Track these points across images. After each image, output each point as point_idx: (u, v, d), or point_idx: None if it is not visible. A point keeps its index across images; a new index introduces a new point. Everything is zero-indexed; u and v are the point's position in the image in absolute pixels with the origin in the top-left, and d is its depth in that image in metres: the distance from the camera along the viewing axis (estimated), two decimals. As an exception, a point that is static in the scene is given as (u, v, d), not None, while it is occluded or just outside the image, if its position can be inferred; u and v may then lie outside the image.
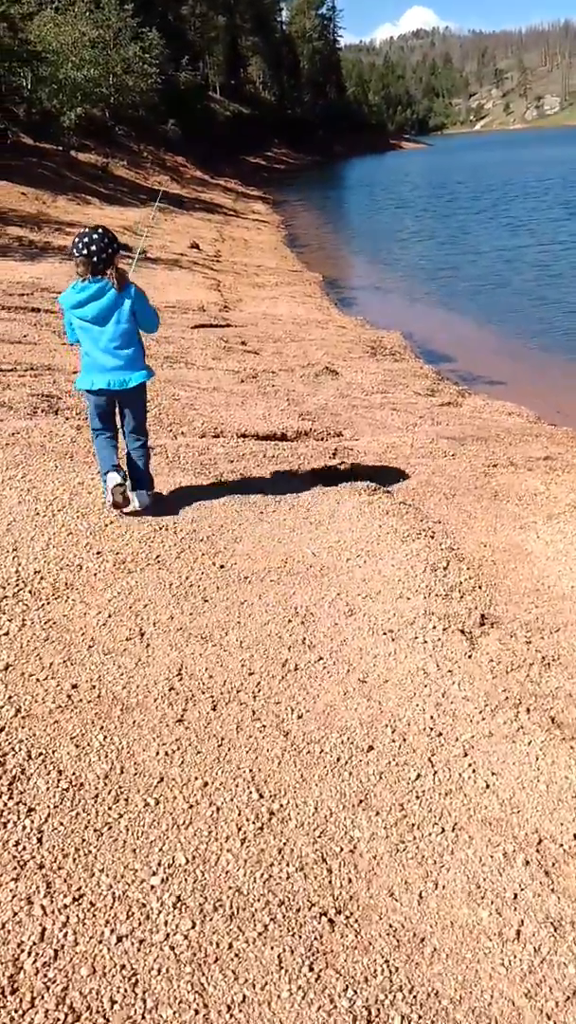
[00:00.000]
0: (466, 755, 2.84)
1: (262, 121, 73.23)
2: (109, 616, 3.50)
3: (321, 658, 3.34)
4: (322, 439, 6.39)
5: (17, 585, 3.67)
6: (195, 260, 16.44)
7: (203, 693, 3.06)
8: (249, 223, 27.68)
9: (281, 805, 2.56)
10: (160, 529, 4.30)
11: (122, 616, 3.50)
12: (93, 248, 4.17)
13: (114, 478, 4.37)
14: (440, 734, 2.94)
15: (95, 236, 4.21)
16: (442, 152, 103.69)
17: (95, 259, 4.18)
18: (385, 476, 5.67)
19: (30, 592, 3.63)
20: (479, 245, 22.00)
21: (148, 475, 4.64)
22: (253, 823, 2.48)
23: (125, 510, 4.42)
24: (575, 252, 19.72)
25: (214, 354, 8.70)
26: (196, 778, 2.65)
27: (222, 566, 4.00)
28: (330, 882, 2.30)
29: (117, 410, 4.56)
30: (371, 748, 2.84)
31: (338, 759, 2.78)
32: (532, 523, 5.07)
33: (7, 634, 3.33)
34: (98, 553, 4.01)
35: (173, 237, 19.07)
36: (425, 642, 3.50)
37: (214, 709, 2.98)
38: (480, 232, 24.73)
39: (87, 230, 4.28)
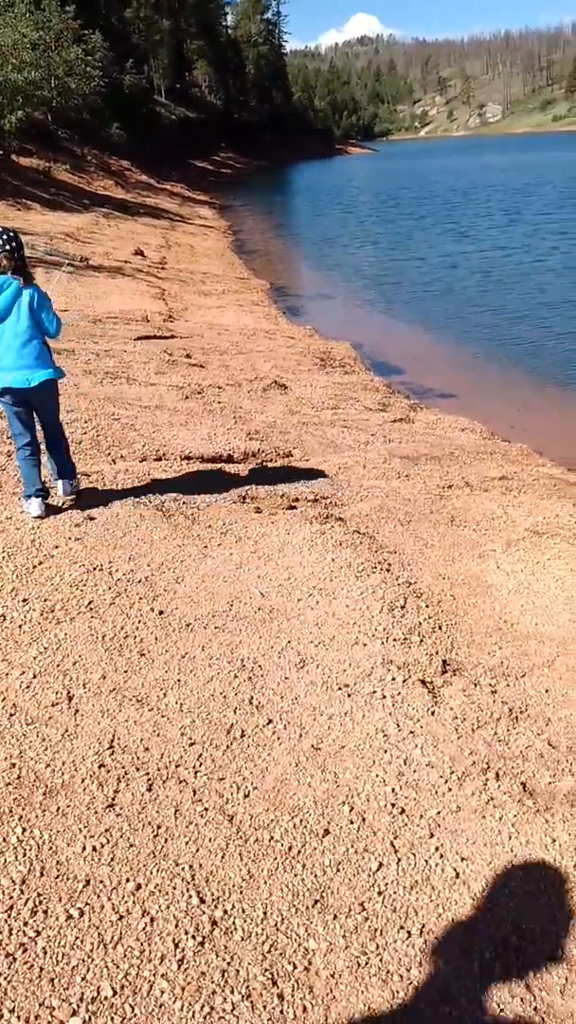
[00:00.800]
0: (432, 835, 2.55)
1: (208, 125, 72.79)
2: (34, 677, 3.14)
3: (270, 721, 3.02)
4: (271, 460, 6.08)
5: None
6: (139, 267, 16.03)
7: (138, 770, 2.72)
8: (195, 229, 27.29)
9: (225, 911, 2.24)
10: (94, 570, 3.95)
11: (48, 676, 3.15)
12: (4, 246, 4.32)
13: (35, 508, 4.49)
14: (403, 811, 2.64)
15: (5, 236, 4.36)
16: (387, 157, 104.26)
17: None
18: (337, 501, 5.38)
19: (-55, 649, 3.26)
20: (423, 251, 21.91)
21: (70, 464, 4.77)
22: (193, 937, 2.16)
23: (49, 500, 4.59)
24: (516, 258, 19.72)
25: (157, 368, 8.34)
26: (128, 879, 2.31)
27: (161, 612, 3.67)
28: (281, 1012, 1.98)
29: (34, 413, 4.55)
30: (327, 832, 2.53)
31: (290, 848, 2.47)
32: (491, 551, 4.82)
33: None
34: (24, 600, 3.64)
35: (117, 243, 18.61)
36: (384, 697, 3.21)
37: (150, 789, 2.65)
38: (424, 238, 24.67)
39: None
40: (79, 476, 4.94)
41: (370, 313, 14.94)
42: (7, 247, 4.33)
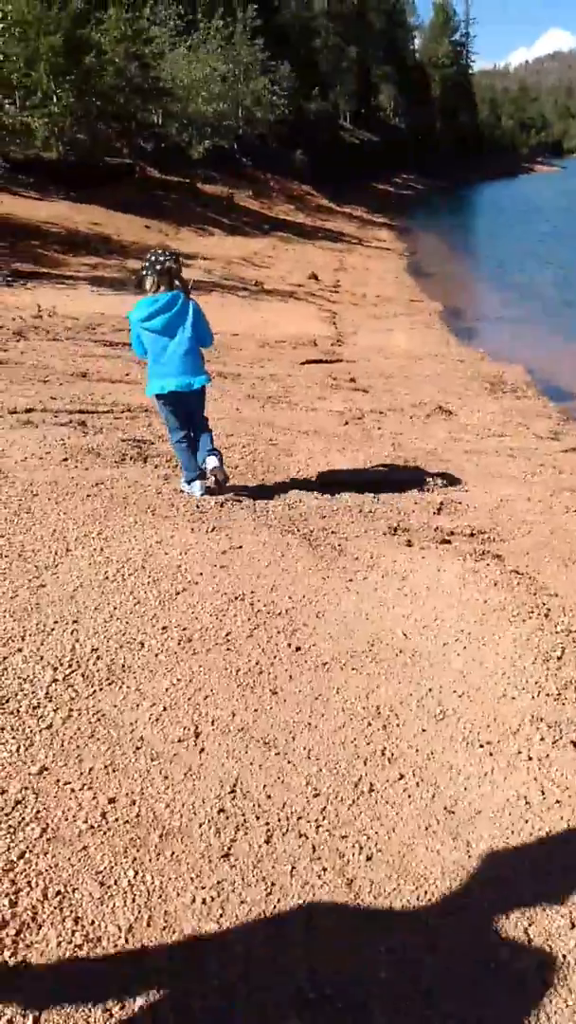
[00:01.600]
0: (573, 927, 2.28)
1: (392, 148, 73.11)
2: (164, 710, 3.09)
3: (402, 776, 2.83)
4: (427, 490, 5.87)
5: (70, 666, 3.32)
6: (312, 291, 16.17)
7: (257, 819, 2.60)
8: (372, 251, 27.33)
9: (325, 995, 2.07)
10: (235, 599, 3.89)
11: (178, 710, 3.09)
12: (168, 264, 4.91)
13: (198, 488, 5.14)
14: (548, 874, 2.38)
15: (167, 254, 5.00)
16: (574, 175, 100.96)
17: (171, 272, 4.91)
18: (496, 536, 5.10)
19: (83, 675, 3.27)
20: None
21: (217, 450, 5.19)
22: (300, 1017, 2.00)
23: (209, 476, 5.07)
24: None
25: (320, 393, 8.30)
26: (235, 941, 2.19)
27: (298, 648, 3.55)
28: None
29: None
30: (459, 908, 2.31)
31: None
32: None
33: (50, 727, 2.96)
34: (164, 628, 3.62)
35: (292, 267, 18.88)
36: (529, 759, 2.94)
37: (267, 841, 2.52)
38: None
39: (158, 251, 5.08)
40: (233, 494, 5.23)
41: (547, 336, 14.36)
42: (175, 265, 4.96)
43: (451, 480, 6.04)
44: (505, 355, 12.06)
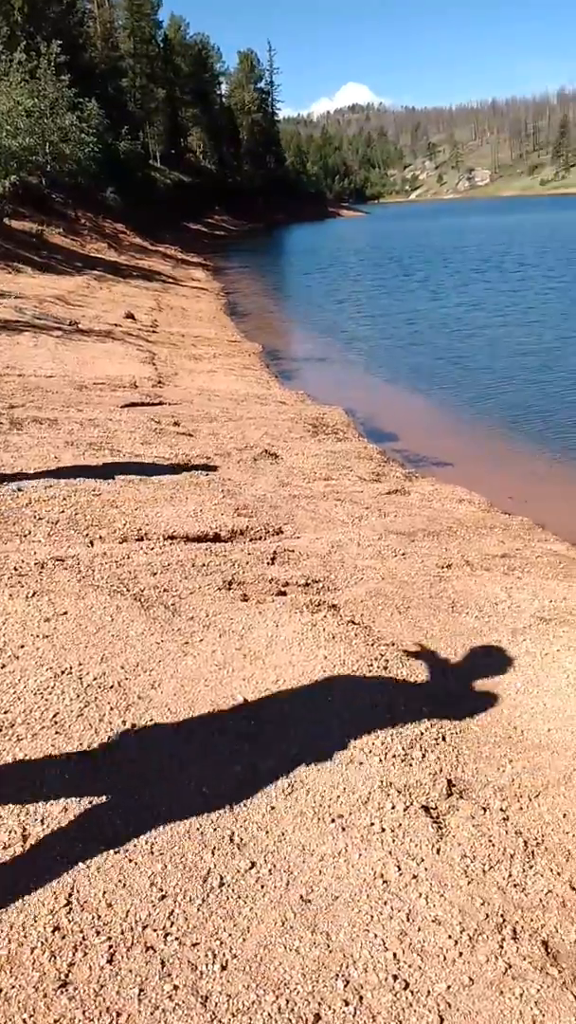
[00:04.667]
0: (443, 1021, 2.16)
1: (203, 189, 74.07)
2: (-15, 811, 2.76)
3: (253, 864, 2.64)
4: (260, 538, 5.76)
5: None
6: (129, 331, 15.89)
7: (98, 934, 2.33)
8: (188, 291, 27.36)
9: None
10: (61, 675, 3.58)
11: (2, 810, 2.76)
12: None
13: None
14: (407, 985, 2.25)
15: None
16: (378, 219, 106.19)
17: None
18: (330, 585, 5.04)
19: None
20: (414, 312, 21.96)
21: None
22: None
23: None
24: (513, 318, 19.71)
25: (144, 438, 8.05)
26: None
27: (133, 725, 3.29)
28: None
29: None
30: (318, 1018, 2.14)
31: (273, 1043, 2.07)
32: (496, 642, 4.47)
33: None
34: (-19, 713, 3.27)
35: (108, 306, 18.53)
36: (383, 830, 2.83)
37: (111, 961, 2.26)
38: (415, 299, 24.79)
39: None
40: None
41: (362, 376, 14.79)
42: None
43: (283, 527, 5.96)
44: (324, 396, 12.26)
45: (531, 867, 2.74)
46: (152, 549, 5.17)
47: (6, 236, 25.61)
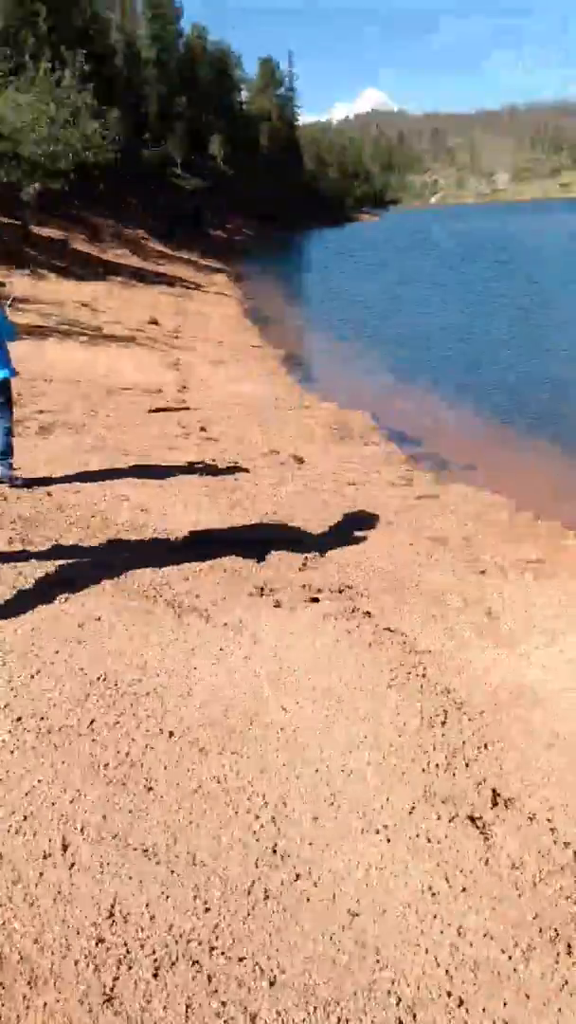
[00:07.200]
0: (502, 1043, 2.09)
1: (223, 195, 74.22)
2: (24, 818, 2.72)
3: (298, 876, 2.58)
4: (291, 545, 5.69)
5: None
6: (153, 336, 15.89)
7: (142, 947, 2.28)
8: (210, 296, 27.37)
9: None
10: (97, 681, 3.54)
11: (41, 818, 2.72)
12: None
13: None
14: (461, 1003, 2.19)
15: None
16: (398, 223, 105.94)
17: None
18: (363, 591, 4.98)
19: None
20: (437, 314, 21.86)
21: (11, 448, 6.12)
22: None
23: None
24: (534, 320, 19.58)
25: (171, 443, 8.02)
26: None
27: (171, 734, 3.24)
28: None
29: None
30: (371, 1039, 2.07)
31: (326, 1065, 2.01)
32: (533, 649, 4.39)
33: None
34: (18, 719, 3.23)
35: (131, 312, 18.54)
36: (428, 842, 2.76)
37: (156, 975, 2.20)
38: (437, 301, 24.68)
39: None
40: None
41: (385, 380, 14.67)
42: None
43: (313, 533, 5.90)
44: (349, 401, 12.17)
45: (582, 881, 2.66)
46: (183, 554, 5.13)
47: (32, 244, 25.74)
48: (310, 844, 2.71)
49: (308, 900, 2.49)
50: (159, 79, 66.94)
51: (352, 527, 6.15)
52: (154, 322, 17.53)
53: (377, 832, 2.79)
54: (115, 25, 63.60)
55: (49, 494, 5.91)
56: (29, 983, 2.15)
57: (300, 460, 8.22)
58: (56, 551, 4.87)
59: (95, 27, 53.74)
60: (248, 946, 2.31)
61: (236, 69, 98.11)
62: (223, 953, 2.29)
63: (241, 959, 2.27)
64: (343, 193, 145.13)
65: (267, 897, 2.49)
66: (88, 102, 35.25)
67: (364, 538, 5.95)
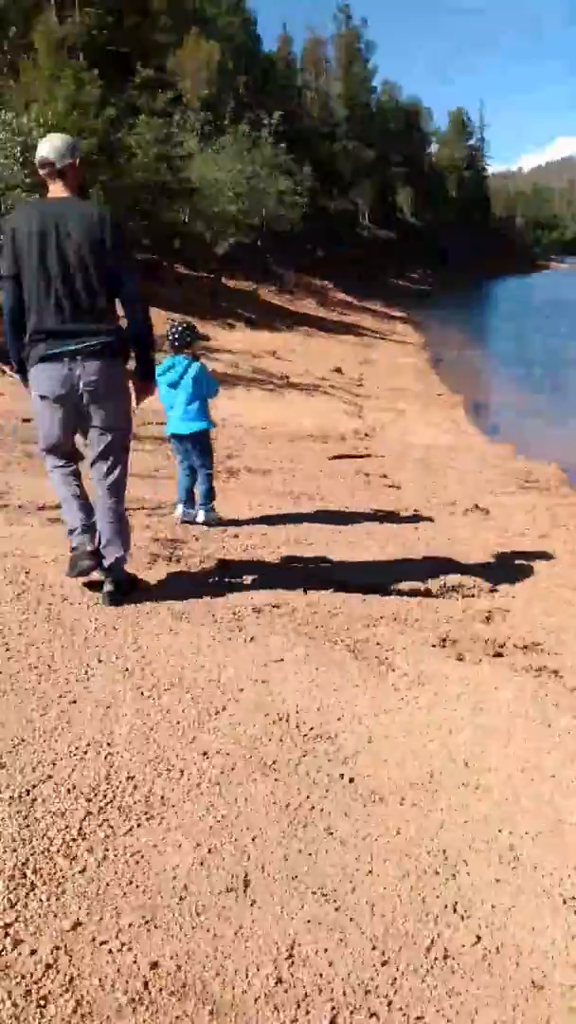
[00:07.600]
0: None
1: (409, 245, 75.12)
2: (208, 852, 2.79)
3: (479, 939, 2.51)
4: (474, 596, 5.62)
5: (105, 796, 3.03)
6: (336, 384, 16.23)
7: (319, 992, 2.29)
8: (393, 345, 27.67)
9: None
10: (279, 721, 3.61)
11: (224, 853, 2.79)
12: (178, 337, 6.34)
13: (181, 510, 6.48)
14: None
15: (179, 328, 6.38)
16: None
17: (176, 343, 6.35)
18: (551, 649, 4.82)
19: (118, 808, 2.98)
20: None
21: (212, 492, 6.44)
22: None
23: (189, 519, 6.41)
24: None
25: (351, 489, 8.13)
26: None
27: (351, 779, 3.25)
28: None
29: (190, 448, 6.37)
30: None
31: None
32: None
33: (83, 871, 2.67)
34: (204, 754, 3.34)
35: (316, 361, 19.04)
36: (618, 919, 2.62)
37: (333, 1022, 2.20)
38: None
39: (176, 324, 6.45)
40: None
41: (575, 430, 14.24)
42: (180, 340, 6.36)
43: (497, 586, 5.79)
44: (535, 451, 11.92)
45: None
46: (366, 601, 5.16)
47: (223, 295, 27.03)
48: (492, 907, 2.64)
49: (489, 966, 2.42)
50: (348, 134, 68.93)
51: (539, 581, 5.99)
52: (338, 370, 17.90)
53: (565, 903, 2.67)
54: (310, 85, 66.26)
55: (236, 536, 6.12)
56: (211, 1013, 2.20)
57: (485, 511, 8.11)
58: (238, 591, 5.03)
59: (290, 89, 56.24)
60: (426, 1005, 2.27)
61: (426, 122, 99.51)
62: (400, 1009, 2.26)
63: (419, 1018, 2.23)
64: (532, 241, 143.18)
65: (446, 957, 2.43)
66: (282, 159, 36.78)
67: (552, 593, 5.77)
